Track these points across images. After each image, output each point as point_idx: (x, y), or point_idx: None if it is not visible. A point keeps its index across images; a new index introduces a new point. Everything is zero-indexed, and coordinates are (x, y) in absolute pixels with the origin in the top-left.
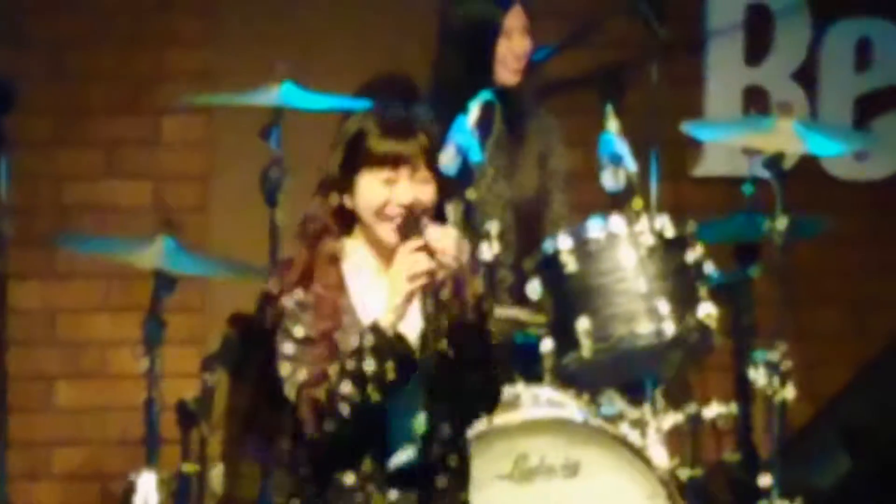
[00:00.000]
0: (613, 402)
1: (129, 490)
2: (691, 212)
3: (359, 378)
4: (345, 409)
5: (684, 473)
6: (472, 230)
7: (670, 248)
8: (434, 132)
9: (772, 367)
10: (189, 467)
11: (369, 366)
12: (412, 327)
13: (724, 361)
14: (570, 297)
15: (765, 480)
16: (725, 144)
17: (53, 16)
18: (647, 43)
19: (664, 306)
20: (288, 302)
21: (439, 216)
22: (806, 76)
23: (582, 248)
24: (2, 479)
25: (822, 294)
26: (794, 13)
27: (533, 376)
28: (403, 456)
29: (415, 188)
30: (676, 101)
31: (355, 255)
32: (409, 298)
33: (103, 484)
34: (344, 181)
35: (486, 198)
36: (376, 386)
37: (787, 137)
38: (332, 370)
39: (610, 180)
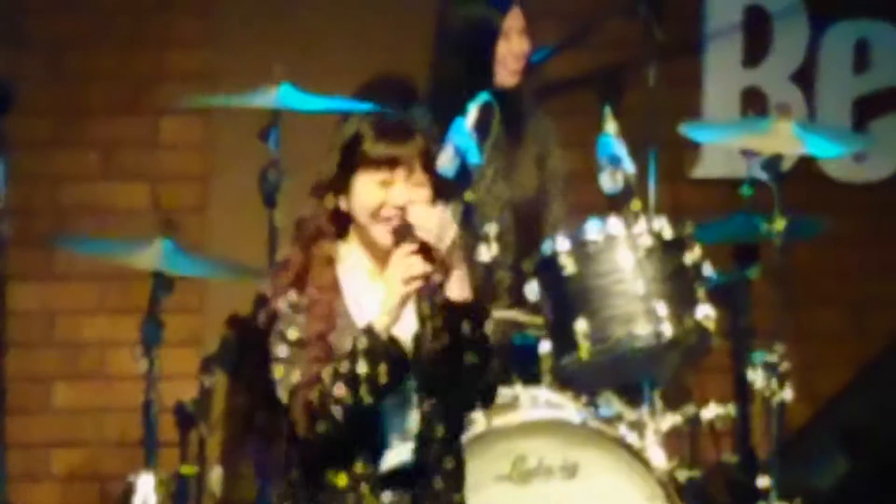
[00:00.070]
0: (612, 404)
1: (128, 491)
2: (689, 213)
3: (351, 380)
4: (337, 412)
5: (683, 474)
6: (470, 231)
7: (668, 250)
8: (431, 136)
9: (770, 369)
10: (187, 469)
11: (362, 368)
12: (407, 330)
13: (722, 363)
14: (568, 298)
15: (763, 481)
16: (724, 146)
17: (53, 16)
18: (645, 44)
19: (662, 308)
20: (281, 304)
21: None
22: (804, 78)
23: (580, 249)
24: (0, 481)
25: (820, 295)
26: (793, 15)
27: (531, 378)
28: (397, 457)
29: (411, 190)
30: (675, 102)
31: (350, 258)
32: (403, 301)
33: (102, 485)
34: (340, 183)
35: (485, 199)
36: (369, 388)
37: (786, 139)
38: (326, 372)
39: (608, 182)
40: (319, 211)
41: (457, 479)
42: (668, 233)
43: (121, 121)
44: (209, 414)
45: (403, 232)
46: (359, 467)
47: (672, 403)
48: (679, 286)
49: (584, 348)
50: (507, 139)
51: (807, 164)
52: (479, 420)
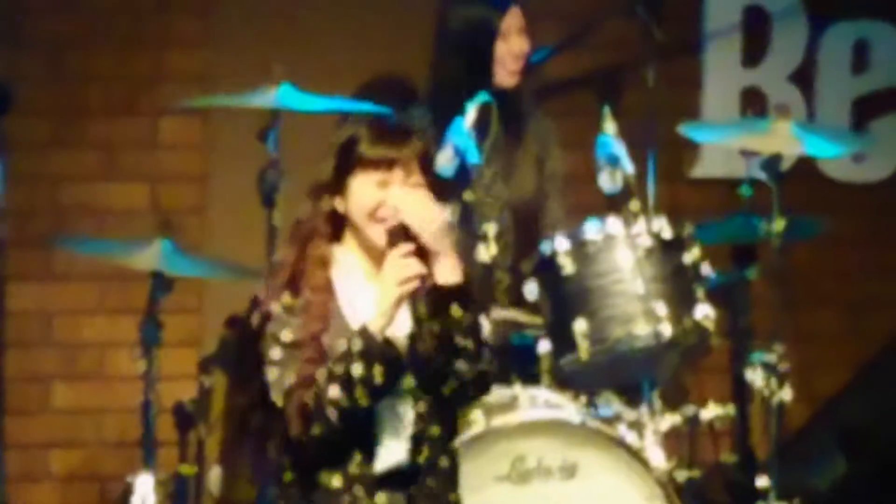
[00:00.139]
0: (611, 404)
1: (127, 492)
2: (688, 213)
3: (347, 382)
4: (333, 414)
5: (682, 475)
6: (469, 231)
7: (667, 250)
8: (428, 139)
9: (769, 369)
10: (186, 469)
11: (357, 370)
12: (401, 332)
13: (721, 363)
14: (567, 298)
15: (762, 482)
16: (723, 146)
17: (52, 16)
18: (644, 44)
19: (661, 308)
20: (275, 307)
21: None
22: (803, 78)
23: (579, 249)
24: None
25: (819, 295)
26: (792, 15)
27: (530, 378)
28: (392, 457)
29: (408, 191)
30: (674, 102)
31: (344, 260)
32: (398, 303)
33: (101, 485)
34: (336, 184)
35: (484, 199)
36: (364, 390)
37: (785, 139)
38: (320, 374)
39: (607, 182)
40: (315, 213)
41: (452, 479)
42: (667, 233)
43: (120, 121)
44: (208, 414)
45: (398, 233)
46: (353, 468)
47: (671, 403)
48: (678, 286)
49: (583, 348)
50: (507, 139)
51: (806, 165)
52: (478, 420)
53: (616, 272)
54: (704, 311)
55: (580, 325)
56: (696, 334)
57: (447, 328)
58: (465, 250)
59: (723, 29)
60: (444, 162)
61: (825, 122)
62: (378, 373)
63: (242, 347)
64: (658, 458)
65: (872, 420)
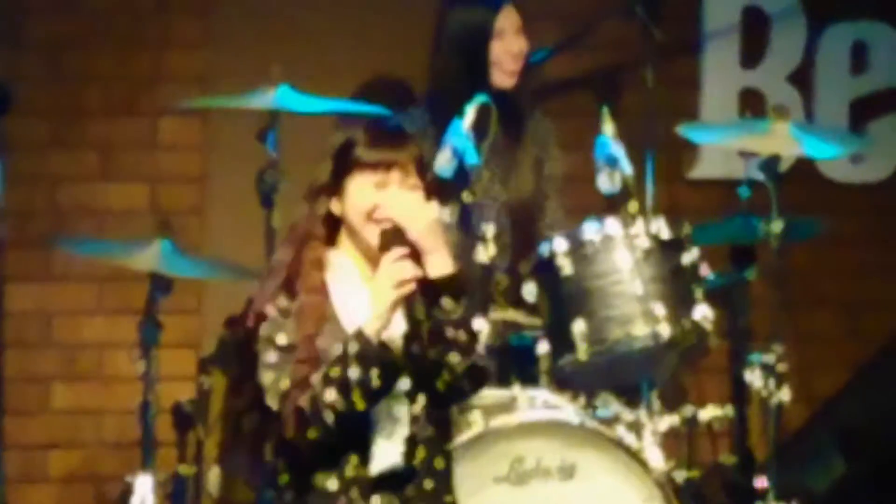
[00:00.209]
0: (609, 405)
1: (126, 492)
2: (687, 214)
3: (344, 386)
4: (329, 417)
5: (680, 476)
6: (468, 232)
7: (666, 251)
8: (424, 144)
9: (768, 370)
10: (185, 469)
11: (354, 373)
12: (396, 335)
13: (719, 364)
14: (565, 299)
15: (761, 483)
16: (721, 147)
17: (51, 17)
18: (643, 45)
19: (660, 309)
20: (270, 309)
21: None
22: (802, 79)
23: (578, 250)
24: None
25: (817, 296)
26: (791, 16)
27: (529, 379)
28: (387, 460)
29: (405, 193)
30: (672, 103)
31: (339, 263)
32: (393, 306)
33: (99, 486)
34: (333, 186)
35: (482, 200)
36: (361, 393)
37: (783, 140)
38: (316, 378)
39: (606, 183)
40: (312, 215)
41: (447, 480)
42: (665, 234)
43: (119, 121)
44: (207, 415)
45: (390, 235)
46: (349, 470)
47: (670, 404)
48: (677, 287)
49: (582, 349)
50: (506, 140)
51: (805, 166)
52: (476, 421)
53: (615, 273)
54: (703, 312)
55: (579, 326)
56: (695, 335)
57: (438, 320)
58: (464, 251)
59: (722, 30)
60: (443, 163)
61: (824, 122)
62: (375, 376)
63: (243, 347)
64: (657, 458)
65: (871, 421)
